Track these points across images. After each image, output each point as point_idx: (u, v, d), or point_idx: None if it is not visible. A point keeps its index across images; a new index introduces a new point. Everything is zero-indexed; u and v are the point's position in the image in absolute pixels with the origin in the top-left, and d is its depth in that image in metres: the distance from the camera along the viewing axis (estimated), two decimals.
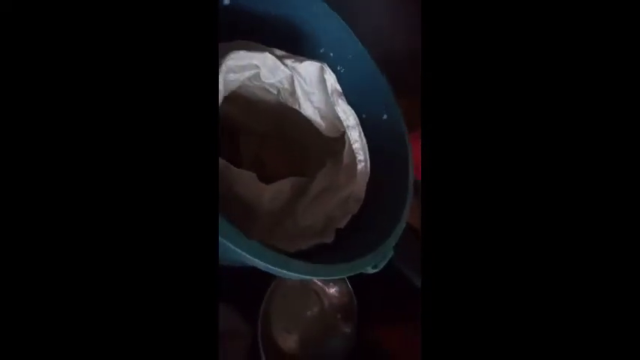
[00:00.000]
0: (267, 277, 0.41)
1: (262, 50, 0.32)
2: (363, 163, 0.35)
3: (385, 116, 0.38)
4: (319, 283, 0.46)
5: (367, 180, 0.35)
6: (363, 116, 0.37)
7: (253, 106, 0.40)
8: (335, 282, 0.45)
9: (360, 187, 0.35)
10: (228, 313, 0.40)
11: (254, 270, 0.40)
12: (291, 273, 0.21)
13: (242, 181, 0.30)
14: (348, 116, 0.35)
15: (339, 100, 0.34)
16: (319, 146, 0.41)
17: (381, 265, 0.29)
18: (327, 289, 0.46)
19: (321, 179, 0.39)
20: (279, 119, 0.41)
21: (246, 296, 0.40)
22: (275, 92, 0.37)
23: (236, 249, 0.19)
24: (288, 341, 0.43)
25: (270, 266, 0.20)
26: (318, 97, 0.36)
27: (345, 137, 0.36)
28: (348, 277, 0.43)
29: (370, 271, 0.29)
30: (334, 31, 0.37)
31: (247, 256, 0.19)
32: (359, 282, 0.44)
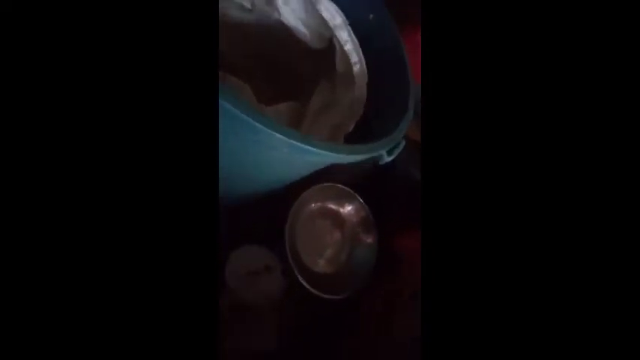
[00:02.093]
0: (283, 213, 0.41)
1: None
2: (358, 65, 0.34)
3: (371, 15, 0.36)
4: (334, 207, 0.47)
5: (366, 80, 0.34)
6: (349, 21, 0.35)
7: (234, 35, 0.37)
8: (348, 201, 0.46)
9: (360, 89, 0.34)
10: (259, 252, 0.41)
11: (270, 207, 0.40)
12: (314, 149, 0.21)
13: (243, 94, 0.29)
14: (333, 15, 0.33)
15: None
16: (308, 66, 0.39)
17: (395, 153, 0.29)
18: (342, 210, 0.47)
19: (318, 99, 0.38)
20: (263, 43, 0.39)
21: (270, 235, 0.41)
22: (250, 7, 0.35)
23: (260, 126, 0.18)
24: (319, 264, 0.44)
25: (295, 142, 0.20)
26: (297, 3, 0.33)
27: (334, 41, 0.34)
28: (359, 194, 0.44)
29: (386, 158, 0.29)
30: None
31: (273, 133, 0.19)
32: (372, 198, 0.45)
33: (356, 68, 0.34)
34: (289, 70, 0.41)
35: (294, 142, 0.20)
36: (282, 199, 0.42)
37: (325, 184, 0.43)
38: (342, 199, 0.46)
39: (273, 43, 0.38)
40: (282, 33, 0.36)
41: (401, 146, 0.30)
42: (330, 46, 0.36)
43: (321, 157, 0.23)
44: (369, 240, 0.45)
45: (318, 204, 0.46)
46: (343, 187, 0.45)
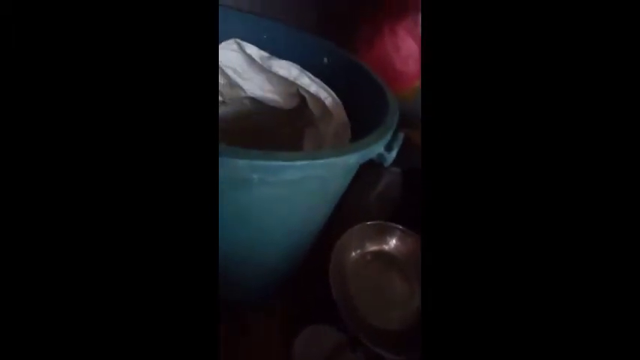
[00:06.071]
0: (319, 277, 0.37)
1: None
2: (329, 98, 0.35)
3: (325, 59, 0.39)
4: (376, 246, 0.41)
5: (343, 107, 0.34)
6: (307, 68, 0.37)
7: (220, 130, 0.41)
8: (389, 234, 0.41)
9: (339, 115, 0.34)
10: (323, 334, 0.35)
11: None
12: (297, 162, 0.19)
13: None
14: (289, 70, 0.36)
15: (273, 62, 0.36)
16: (289, 127, 0.41)
17: (395, 148, 0.27)
18: (386, 247, 0.41)
19: (308, 146, 0.38)
20: (243, 124, 0.42)
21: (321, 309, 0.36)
22: (222, 99, 0.39)
23: (240, 160, 0.18)
24: (389, 318, 0.37)
25: (272, 162, 0.19)
26: (255, 78, 0.37)
27: (301, 91, 0.36)
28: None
29: (388, 155, 0.26)
30: (237, 22, 0.39)
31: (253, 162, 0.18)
32: None
33: (328, 102, 0.35)
34: (274, 136, 0.42)
35: (283, 164, 0.19)
36: (310, 259, 0.38)
37: (354, 227, 0.40)
38: (380, 235, 0.41)
39: (252, 120, 0.41)
40: (256, 108, 0.39)
41: (399, 140, 0.27)
42: (300, 99, 0.38)
43: (316, 167, 0.21)
44: None
45: (358, 251, 0.41)
46: (374, 222, 0.41)
